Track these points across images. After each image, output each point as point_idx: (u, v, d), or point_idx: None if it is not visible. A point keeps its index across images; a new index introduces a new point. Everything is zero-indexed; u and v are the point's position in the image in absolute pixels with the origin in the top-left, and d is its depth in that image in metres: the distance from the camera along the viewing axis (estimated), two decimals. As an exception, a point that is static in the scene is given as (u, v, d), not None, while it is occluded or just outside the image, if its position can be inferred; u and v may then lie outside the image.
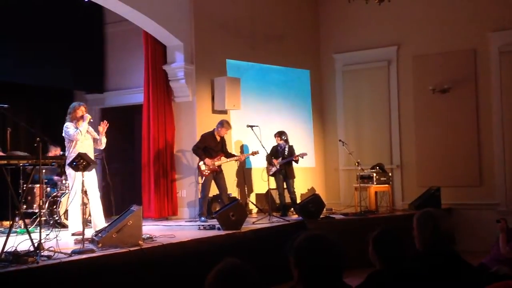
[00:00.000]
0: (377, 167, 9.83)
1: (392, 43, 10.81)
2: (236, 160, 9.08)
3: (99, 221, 7.00)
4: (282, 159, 9.21)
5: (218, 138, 8.80)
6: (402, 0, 10.09)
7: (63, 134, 7.04)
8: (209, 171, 8.60)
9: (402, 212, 9.67)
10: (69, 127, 6.96)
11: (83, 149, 6.82)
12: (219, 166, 8.74)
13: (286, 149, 9.31)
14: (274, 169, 9.18)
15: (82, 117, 7.03)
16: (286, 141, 9.37)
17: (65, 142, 7.10)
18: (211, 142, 8.73)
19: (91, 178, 6.99)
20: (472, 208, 9.76)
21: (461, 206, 9.77)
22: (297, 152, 9.34)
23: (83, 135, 6.97)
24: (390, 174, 9.99)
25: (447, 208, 9.46)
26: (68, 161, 6.82)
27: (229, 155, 8.89)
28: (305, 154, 9.38)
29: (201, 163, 8.63)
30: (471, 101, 10.04)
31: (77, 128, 6.95)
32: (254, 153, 9.12)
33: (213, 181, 8.72)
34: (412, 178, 10.50)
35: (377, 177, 9.51)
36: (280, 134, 9.38)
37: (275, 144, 9.42)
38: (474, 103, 10.02)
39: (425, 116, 10.43)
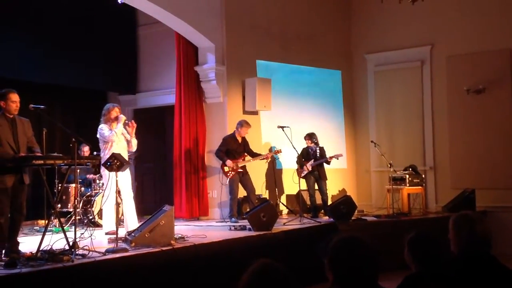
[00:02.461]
0: (410, 169, 9.70)
1: (426, 43, 10.65)
2: (262, 159, 9.02)
3: (132, 221, 7.08)
4: (314, 160, 9.17)
5: (240, 140, 8.81)
6: (436, -1, 9.96)
7: (98, 136, 7.13)
8: (233, 173, 8.62)
9: (436, 214, 9.51)
10: (104, 129, 7.05)
11: (118, 150, 6.90)
12: (243, 167, 8.74)
13: (318, 150, 9.26)
14: (305, 172, 9.14)
15: (116, 118, 7.10)
16: (316, 143, 9.32)
17: (100, 144, 7.19)
18: (233, 144, 8.75)
19: (125, 178, 7.08)
20: (508, 211, 9.54)
21: (497, 209, 9.56)
22: (328, 153, 9.28)
23: (118, 136, 7.04)
24: (423, 175, 9.85)
25: (481, 210, 9.27)
26: (103, 161, 6.91)
27: (254, 155, 8.88)
28: (341, 155, 9.32)
29: (224, 165, 8.66)
30: (506, 102, 9.83)
31: (111, 129, 7.03)
32: (277, 152, 9.08)
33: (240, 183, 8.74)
34: (445, 180, 10.33)
35: (409, 178, 9.38)
36: (310, 137, 9.33)
37: (305, 146, 9.37)
38: (510, 104, 9.80)
39: (459, 116, 10.25)
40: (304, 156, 9.25)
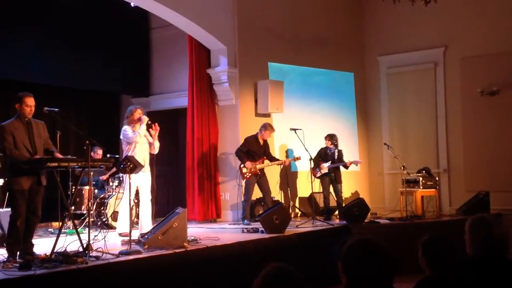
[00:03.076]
0: (423, 171, 9.64)
1: (439, 45, 10.59)
2: (279, 164, 9.03)
3: (146, 223, 7.10)
4: (332, 163, 9.14)
5: (262, 142, 8.80)
6: (449, 0, 9.87)
7: (121, 137, 7.20)
8: (250, 174, 8.62)
9: (450, 217, 9.44)
10: (127, 130, 7.10)
11: (141, 152, 6.99)
12: (261, 170, 8.73)
13: (336, 153, 9.23)
14: (320, 173, 9.11)
15: (139, 120, 7.13)
16: (336, 145, 9.29)
17: (123, 145, 7.25)
18: (254, 146, 8.74)
19: (145, 181, 7.11)
20: (523, 214, 9.44)
21: (511, 212, 9.45)
22: (345, 158, 9.25)
23: (141, 138, 7.08)
24: (437, 178, 9.78)
25: (496, 213, 9.18)
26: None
27: (272, 159, 8.87)
28: (360, 161, 9.31)
29: (242, 166, 8.66)
30: (521, 104, 9.74)
31: (134, 131, 7.07)
32: (296, 159, 9.07)
33: (256, 184, 8.74)
34: (459, 183, 10.26)
35: (423, 181, 9.32)
36: (331, 137, 9.30)
37: (324, 146, 9.34)
38: (525, 105, 9.72)
39: (473, 119, 10.17)
40: (322, 156, 9.21)
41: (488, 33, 10.04)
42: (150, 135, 7.20)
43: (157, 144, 7.25)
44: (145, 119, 7.14)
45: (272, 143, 9.63)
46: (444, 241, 2.99)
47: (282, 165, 9.20)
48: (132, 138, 7.02)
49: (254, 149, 8.72)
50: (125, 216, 6.97)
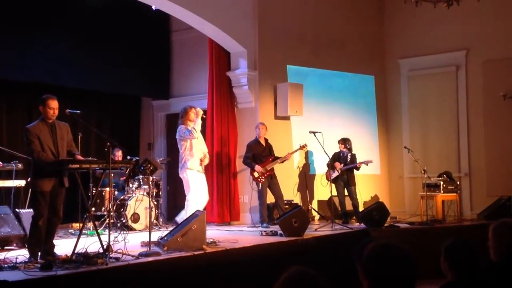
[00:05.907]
0: (444, 175, 9.54)
1: (461, 48, 10.48)
2: (282, 161, 8.92)
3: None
4: (344, 165, 9.11)
5: (264, 143, 8.81)
6: (471, 3, 9.74)
7: (177, 137, 7.31)
8: (263, 178, 8.62)
9: (471, 222, 9.30)
10: (183, 129, 7.18)
11: (198, 151, 7.10)
12: (272, 169, 8.74)
13: (349, 156, 9.20)
14: (335, 174, 9.08)
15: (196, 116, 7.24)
16: (350, 149, 9.25)
17: (178, 145, 7.33)
18: (258, 149, 8.76)
19: (204, 181, 7.31)
20: (547, 220, 9.27)
21: (534, 217, 9.31)
22: (359, 160, 9.20)
23: (198, 132, 7.16)
24: (458, 182, 9.68)
25: (519, 218, 9.04)
26: (181, 163, 7.09)
27: (275, 159, 8.86)
28: (371, 161, 9.23)
29: (253, 171, 8.66)
30: (545, 107, 9.59)
31: (189, 128, 7.15)
32: (302, 147, 9.03)
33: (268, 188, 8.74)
34: (481, 187, 10.13)
35: (444, 185, 9.22)
36: (344, 141, 9.28)
37: (337, 150, 9.31)
38: (549, 109, 9.56)
39: (495, 122, 10.04)
40: (335, 160, 9.19)
41: (511, 36, 9.90)
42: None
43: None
44: (200, 112, 7.19)
45: (290, 146, 9.60)
46: (468, 245, 2.94)
47: (286, 160, 9.03)
48: (189, 135, 7.11)
49: (259, 152, 8.74)
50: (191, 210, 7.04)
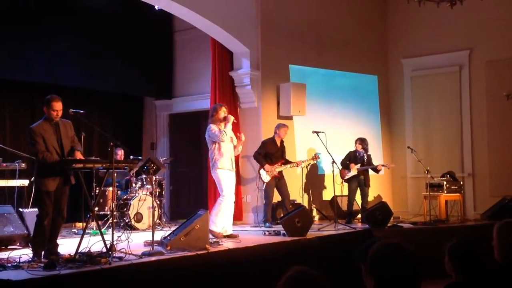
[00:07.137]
0: (448, 175, 9.53)
1: (464, 47, 10.46)
2: (292, 167, 8.94)
3: (229, 224, 7.32)
4: (361, 165, 9.08)
5: (279, 143, 8.78)
6: (475, 2, 9.73)
7: (206, 136, 7.30)
8: (270, 178, 8.61)
9: (474, 222, 9.29)
10: (213, 129, 7.17)
11: (226, 151, 7.12)
12: (280, 172, 8.72)
13: (365, 157, 9.18)
14: (350, 174, 9.07)
15: (225, 118, 7.21)
16: (366, 149, 9.23)
17: (208, 144, 7.33)
18: (272, 148, 8.73)
19: (233, 181, 7.32)
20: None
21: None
22: (374, 162, 9.20)
23: (227, 136, 7.16)
24: (461, 182, 9.66)
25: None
26: (211, 162, 7.15)
27: (286, 162, 8.83)
28: (392, 165, 9.23)
29: (262, 169, 8.65)
30: (548, 107, 9.57)
31: (220, 130, 7.15)
32: (314, 158, 9.03)
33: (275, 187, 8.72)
34: (484, 187, 10.11)
35: (447, 185, 9.21)
36: (362, 141, 9.26)
37: (353, 149, 9.28)
38: (552, 109, 9.54)
39: (499, 122, 10.03)
40: (351, 159, 9.16)
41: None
42: (236, 136, 7.36)
43: (240, 148, 7.48)
44: (231, 118, 7.20)
45: (293, 146, 9.60)
46: (472, 245, 2.93)
47: (307, 163, 9.15)
48: (218, 137, 7.11)
49: (272, 151, 8.71)
50: (225, 216, 7.16)
